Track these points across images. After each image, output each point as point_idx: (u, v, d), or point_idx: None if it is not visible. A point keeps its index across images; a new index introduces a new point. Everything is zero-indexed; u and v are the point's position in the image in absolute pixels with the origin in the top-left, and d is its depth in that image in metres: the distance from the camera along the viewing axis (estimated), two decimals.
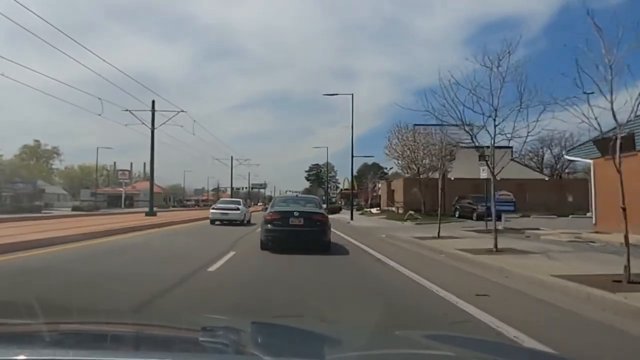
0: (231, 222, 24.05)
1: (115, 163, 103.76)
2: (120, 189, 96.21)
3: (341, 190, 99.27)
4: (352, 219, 29.68)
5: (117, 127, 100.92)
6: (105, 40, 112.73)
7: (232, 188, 61.96)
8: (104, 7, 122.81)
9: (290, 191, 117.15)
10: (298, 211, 12.45)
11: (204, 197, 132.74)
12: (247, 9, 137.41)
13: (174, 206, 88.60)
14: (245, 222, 25.01)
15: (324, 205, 64.52)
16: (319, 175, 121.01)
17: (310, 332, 2.20)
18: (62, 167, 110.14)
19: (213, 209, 25.84)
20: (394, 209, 44.43)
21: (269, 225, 12.18)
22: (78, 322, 2.09)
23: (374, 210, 50.11)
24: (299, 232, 11.92)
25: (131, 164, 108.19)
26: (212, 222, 24.51)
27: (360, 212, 53.32)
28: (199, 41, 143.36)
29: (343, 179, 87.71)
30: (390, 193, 50.17)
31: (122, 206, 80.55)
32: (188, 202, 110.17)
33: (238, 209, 24.97)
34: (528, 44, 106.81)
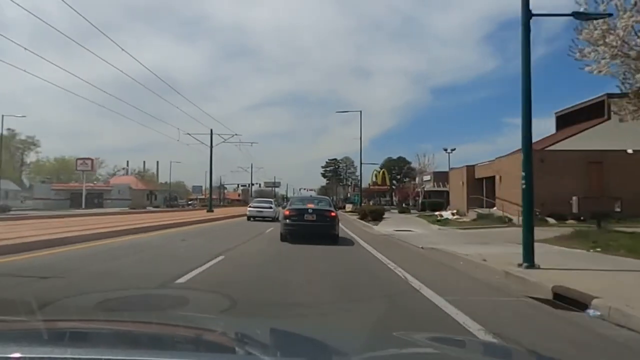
0: (264, 219, 26.54)
1: (128, 162, 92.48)
2: (92, 184, 76.79)
3: (369, 185, 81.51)
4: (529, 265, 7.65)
5: (138, 127, 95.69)
6: (122, 41, 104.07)
7: (211, 175, 40.51)
8: (121, 7, 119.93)
9: (304, 189, 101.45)
10: (312, 208, 13.60)
11: (203, 196, 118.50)
12: (264, 9, 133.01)
13: (156, 207, 67.69)
14: (276, 218, 25.48)
15: (350, 205, 42.16)
16: (337, 171, 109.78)
17: (310, 332, 2.16)
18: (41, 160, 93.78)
19: (250, 207, 29.35)
20: (505, 213, 22.62)
21: (287, 220, 13.39)
22: (76, 320, 2.02)
23: (444, 213, 28.35)
24: (312, 226, 13.09)
25: (144, 162, 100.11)
26: (249, 218, 27.65)
27: (415, 216, 32.32)
28: (216, 41, 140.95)
29: (372, 172, 67.19)
30: (478, 185, 28.50)
31: (83, 205, 60.61)
32: (190, 202, 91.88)
33: (271, 208, 28.10)
34: (549, 40, 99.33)
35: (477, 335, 4.15)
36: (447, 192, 42.01)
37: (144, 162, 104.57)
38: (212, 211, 37.81)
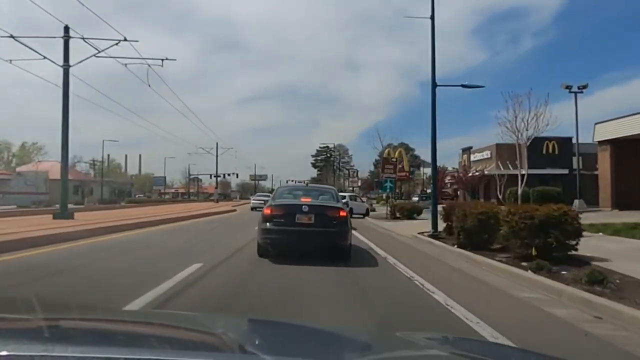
0: None
1: (109, 156, 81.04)
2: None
3: (369, 175, 64.75)
4: None
5: (124, 122, 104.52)
6: (110, 34, 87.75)
7: (66, 133, 18.19)
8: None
9: (292, 181, 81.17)
10: (308, 205, 8.43)
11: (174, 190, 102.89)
12: (252, 1, 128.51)
13: (78, 204, 45.95)
14: None
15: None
16: (329, 160, 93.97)
17: (311, 331, 1.99)
18: None
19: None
20: None
21: (267, 224, 8.24)
22: (77, 318, 1.90)
23: None
24: (308, 233, 8.07)
25: (125, 156, 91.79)
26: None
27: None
28: (204, 34, 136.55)
29: (386, 149, 45.74)
30: None
31: None
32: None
33: None
34: (537, 33, 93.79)
35: None
36: (527, 176, 21.44)
37: (126, 155, 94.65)
38: (72, 217, 15.96)
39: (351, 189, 59.44)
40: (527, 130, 20.26)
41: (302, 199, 8.88)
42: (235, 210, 32.85)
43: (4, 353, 1.08)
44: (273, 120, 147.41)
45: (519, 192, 20.35)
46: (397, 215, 21.16)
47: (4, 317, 1.83)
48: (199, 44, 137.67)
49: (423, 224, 18.24)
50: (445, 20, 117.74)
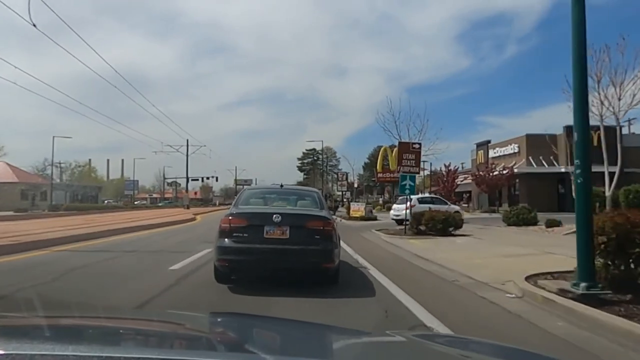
0: None
1: (90, 160, 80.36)
2: None
3: (358, 179, 56.16)
4: None
5: (101, 127, 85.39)
6: (94, 38, 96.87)
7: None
8: (92, 3, 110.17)
9: (276, 185, 74.60)
10: (280, 213, 6.10)
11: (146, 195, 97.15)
12: (239, 5, 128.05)
13: (21, 211, 38.19)
14: None
15: (359, 206, 26.33)
16: (316, 163, 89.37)
17: (309, 330, 1.94)
18: None
19: None
20: None
21: (226, 240, 6.04)
22: (78, 317, 1.85)
23: None
24: (281, 252, 5.89)
25: (108, 160, 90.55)
26: None
27: None
28: (190, 38, 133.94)
29: (380, 153, 38.83)
30: None
31: None
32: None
33: None
34: (522, 39, 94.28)
35: None
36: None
37: (108, 160, 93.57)
38: None
39: (340, 192, 52.60)
40: (619, 100, 13.18)
41: (274, 205, 6.95)
42: (194, 218, 25.17)
43: (1, 352, 1.06)
44: (259, 125, 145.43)
45: (607, 193, 13.30)
46: (422, 228, 13.89)
47: (4, 316, 1.79)
48: (185, 48, 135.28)
49: (479, 246, 10.96)
50: (429, 26, 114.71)
